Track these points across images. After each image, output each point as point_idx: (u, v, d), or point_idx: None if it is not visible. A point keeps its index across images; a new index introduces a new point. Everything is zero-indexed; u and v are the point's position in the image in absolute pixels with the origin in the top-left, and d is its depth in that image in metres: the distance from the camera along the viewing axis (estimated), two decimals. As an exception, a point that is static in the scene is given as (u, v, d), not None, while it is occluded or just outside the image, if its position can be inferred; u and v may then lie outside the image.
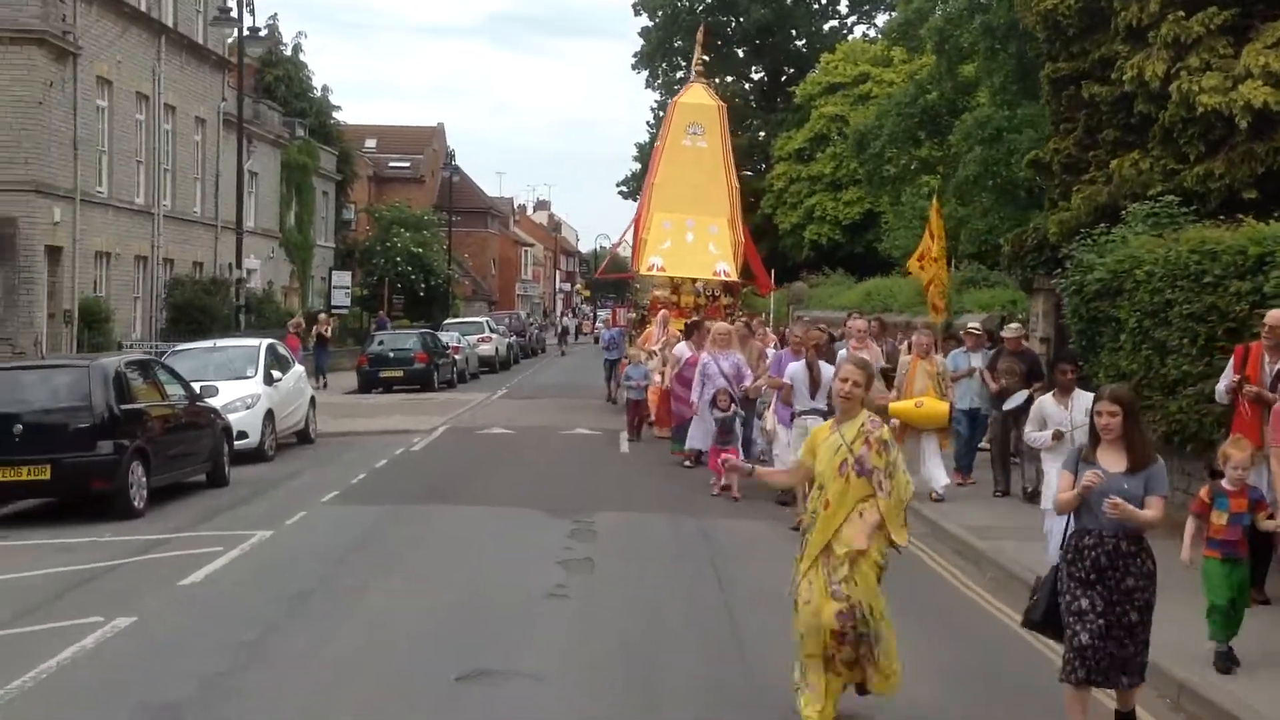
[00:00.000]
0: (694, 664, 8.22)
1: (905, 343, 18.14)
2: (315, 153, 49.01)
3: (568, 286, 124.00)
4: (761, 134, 61.01)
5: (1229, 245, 11.51)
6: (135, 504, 13.89)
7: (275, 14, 62.24)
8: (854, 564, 6.72)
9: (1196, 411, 11.80)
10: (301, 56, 53.60)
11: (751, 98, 64.15)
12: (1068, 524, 6.68)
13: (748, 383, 16.27)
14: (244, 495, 15.65)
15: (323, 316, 36.51)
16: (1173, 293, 12.36)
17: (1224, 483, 7.94)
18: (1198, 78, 15.27)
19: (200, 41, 37.13)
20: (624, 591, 10.39)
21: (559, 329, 75.11)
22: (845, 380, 6.90)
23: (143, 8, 32.97)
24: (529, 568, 11.21)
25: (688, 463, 17.54)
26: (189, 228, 36.58)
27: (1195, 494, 8.67)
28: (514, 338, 52.75)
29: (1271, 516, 8.13)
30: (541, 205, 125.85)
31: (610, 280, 68.74)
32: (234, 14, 30.54)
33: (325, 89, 55.18)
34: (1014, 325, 15.76)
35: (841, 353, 13.14)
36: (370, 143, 73.62)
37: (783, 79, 61.95)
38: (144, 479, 14.11)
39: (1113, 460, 6.49)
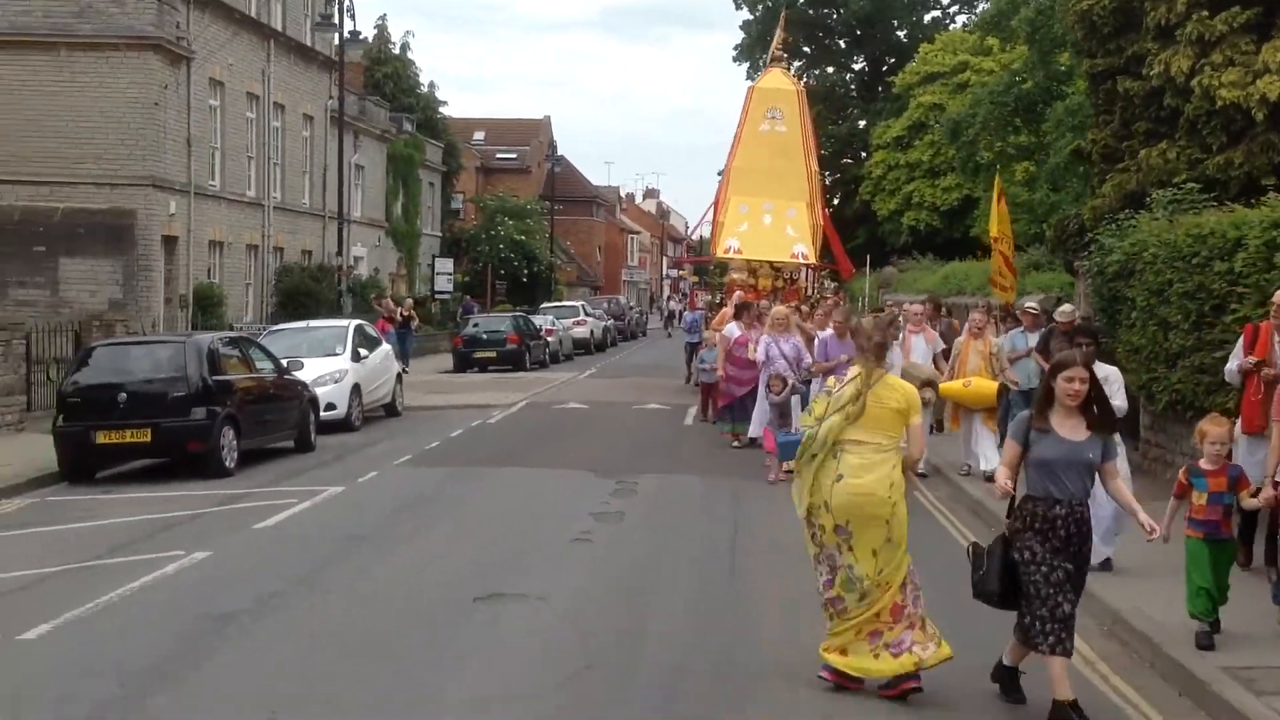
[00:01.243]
0: (685, 595, 9.43)
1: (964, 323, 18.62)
2: (422, 146, 50.95)
3: (674, 272, 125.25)
4: (861, 123, 61.52)
5: (1214, 229, 12.33)
6: (227, 464, 15.52)
7: (385, 14, 64.24)
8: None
9: (1193, 382, 12.64)
10: (409, 54, 55.59)
11: (852, 87, 64.83)
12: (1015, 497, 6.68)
13: (806, 363, 16.58)
14: (326, 459, 17.22)
15: (408, 301, 37.49)
16: (1171, 273, 13.21)
17: (1202, 461, 7.81)
18: (1220, 73, 15.93)
19: (308, 44, 39.06)
20: (642, 538, 11.65)
21: (665, 313, 76.37)
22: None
23: (252, 13, 34.96)
24: (565, 518, 12.52)
25: (735, 443, 17.72)
26: (297, 218, 38.61)
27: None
28: (611, 321, 54.18)
29: (1256, 493, 7.95)
30: (650, 194, 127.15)
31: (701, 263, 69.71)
32: (334, 19, 32.31)
33: (432, 84, 57.42)
34: (1066, 307, 15.59)
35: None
36: (479, 135, 75.67)
37: (883, 69, 62.16)
38: (235, 442, 15.75)
39: (1069, 428, 6.53)
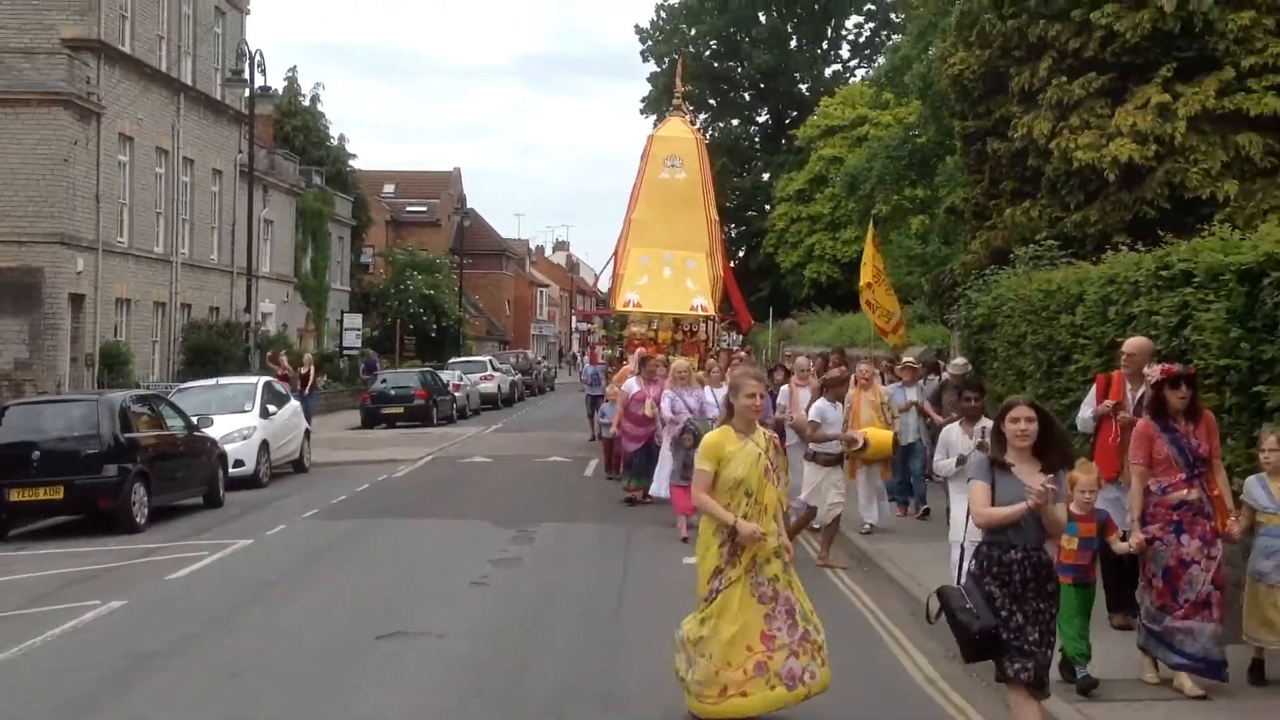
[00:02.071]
0: (573, 631, 10.17)
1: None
2: (331, 200, 51.37)
3: (583, 325, 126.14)
4: (765, 175, 63.03)
5: (1060, 284, 13.46)
6: (138, 520, 16.03)
7: (295, 66, 64.31)
8: (785, 563, 7.48)
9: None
10: (319, 106, 56.07)
11: (757, 140, 66.29)
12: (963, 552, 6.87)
13: (712, 415, 15.78)
14: (235, 514, 17.73)
15: (308, 357, 35.98)
16: (1026, 326, 14.35)
17: (1072, 507, 7.86)
18: (1076, 135, 17.31)
19: (218, 98, 39.47)
20: (537, 581, 12.38)
21: (577, 366, 77.08)
22: (753, 395, 7.62)
23: (163, 67, 35.34)
24: (466, 563, 13.23)
25: (637, 496, 17.45)
26: (206, 274, 38.82)
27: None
28: (519, 376, 54.84)
29: (1124, 537, 8.23)
30: (560, 246, 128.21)
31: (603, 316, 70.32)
32: (245, 74, 32.84)
33: (342, 137, 57.78)
34: (959, 360, 16.21)
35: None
36: (389, 188, 76.20)
37: (786, 122, 63.58)
38: (145, 498, 16.25)
39: (1024, 472, 6.51)
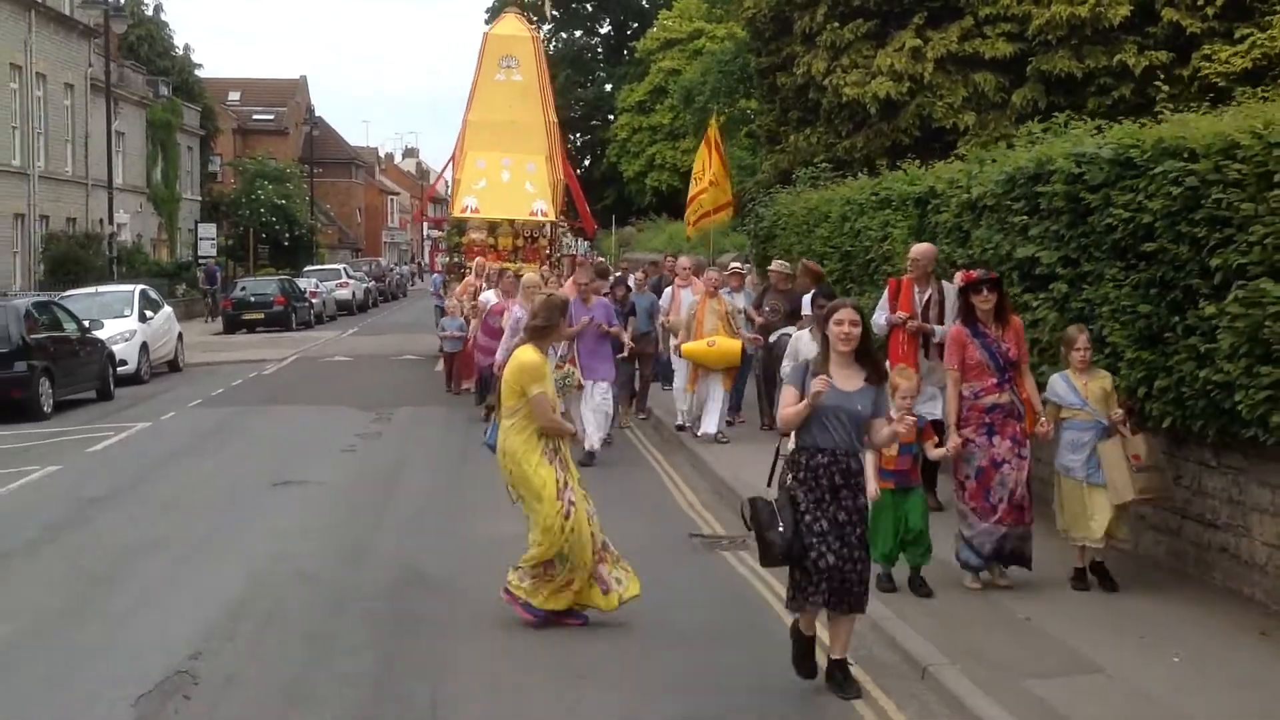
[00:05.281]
0: (425, 477, 13.25)
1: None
2: (179, 110, 52.36)
3: (434, 232, 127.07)
4: (608, 86, 65.06)
5: (816, 203, 16.70)
6: (45, 409, 18.56)
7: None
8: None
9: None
10: (163, 16, 56.70)
11: (599, 51, 67.94)
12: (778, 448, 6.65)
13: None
14: (126, 405, 20.29)
15: None
16: (794, 237, 17.59)
17: (891, 412, 7.47)
18: (846, 74, 20.53)
19: (67, 13, 40.46)
20: (395, 447, 15.40)
21: (426, 274, 78.85)
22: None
23: (13, -16, 36.35)
24: (336, 436, 16.16)
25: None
26: (61, 186, 40.08)
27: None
28: (373, 283, 57.06)
29: (940, 443, 8.33)
30: (410, 153, 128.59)
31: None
32: (99, -5, 34.18)
33: (187, 47, 58.48)
34: (780, 262, 15.79)
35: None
36: (234, 96, 76.38)
37: (627, 33, 65.11)
38: (50, 390, 18.76)
39: (843, 378, 6.39)
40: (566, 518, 7.53)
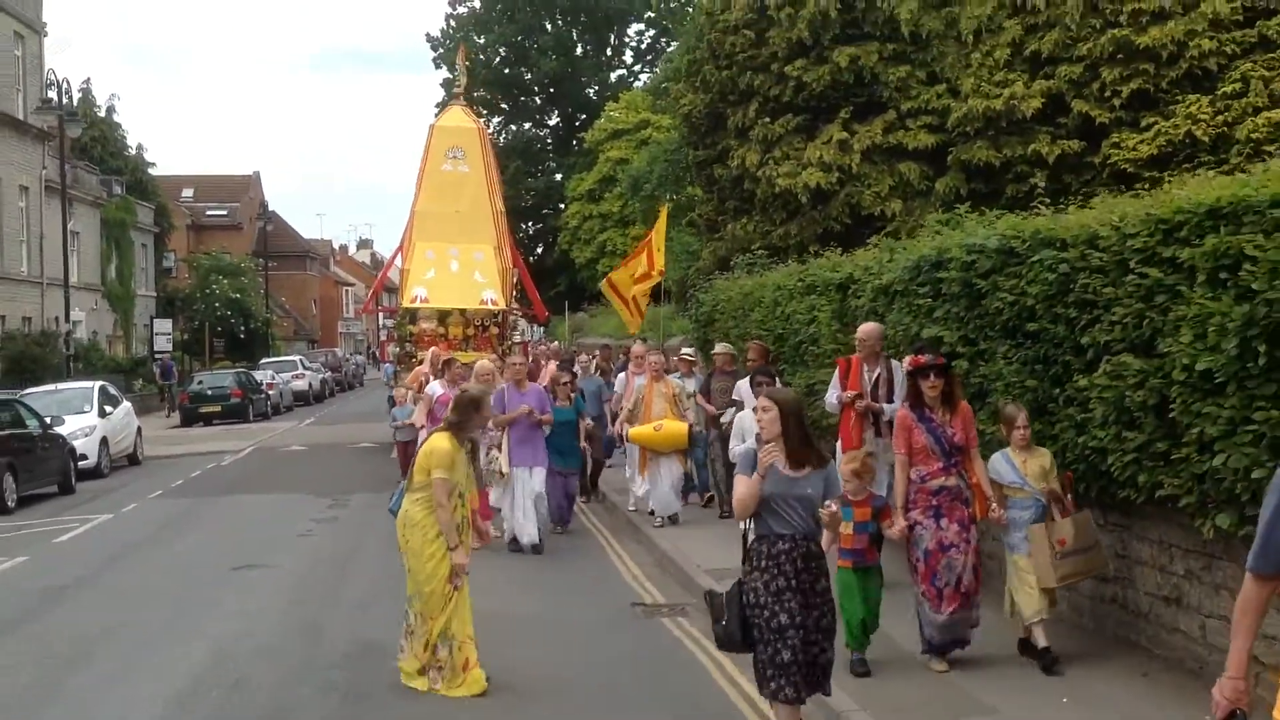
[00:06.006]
0: (378, 563, 13.68)
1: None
2: (133, 208, 52.95)
3: (389, 322, 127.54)
4: (558, 176, 66.46)
5: (750, 289, 17.57)
6: (9, 504, 19.13)
7: (89, 78, 65.51)
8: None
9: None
10: (115, 117, 57.44)
11: (549, 142, 69.55)
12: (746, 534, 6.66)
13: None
14: (87, 498, 20.80)
15: None
16: (731, 321, 18.43)
17: (847, 493, 7.95)
18: (779, 165, 21.60)
19: (21, 118, 41.24)
20: (351, 532, 15.97)
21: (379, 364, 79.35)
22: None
23: (-33, 92, 37.16)
24: (293, 522, 16.76)
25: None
26: (17, 286, 40.56)
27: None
28: (329, 373, 57.60)
29: (892, 524, 8.29)
30: (364, 244, 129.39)
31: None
32: (54, 101, 34.96)
33: (140, 146, 59.26)
34: (723, 345, 16.15)
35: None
36: (187, 192, 76.97)
37: (576, 124, 66.83)
38: (14, 485, 19.27)
39: (791, 464, 6.46)
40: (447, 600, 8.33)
